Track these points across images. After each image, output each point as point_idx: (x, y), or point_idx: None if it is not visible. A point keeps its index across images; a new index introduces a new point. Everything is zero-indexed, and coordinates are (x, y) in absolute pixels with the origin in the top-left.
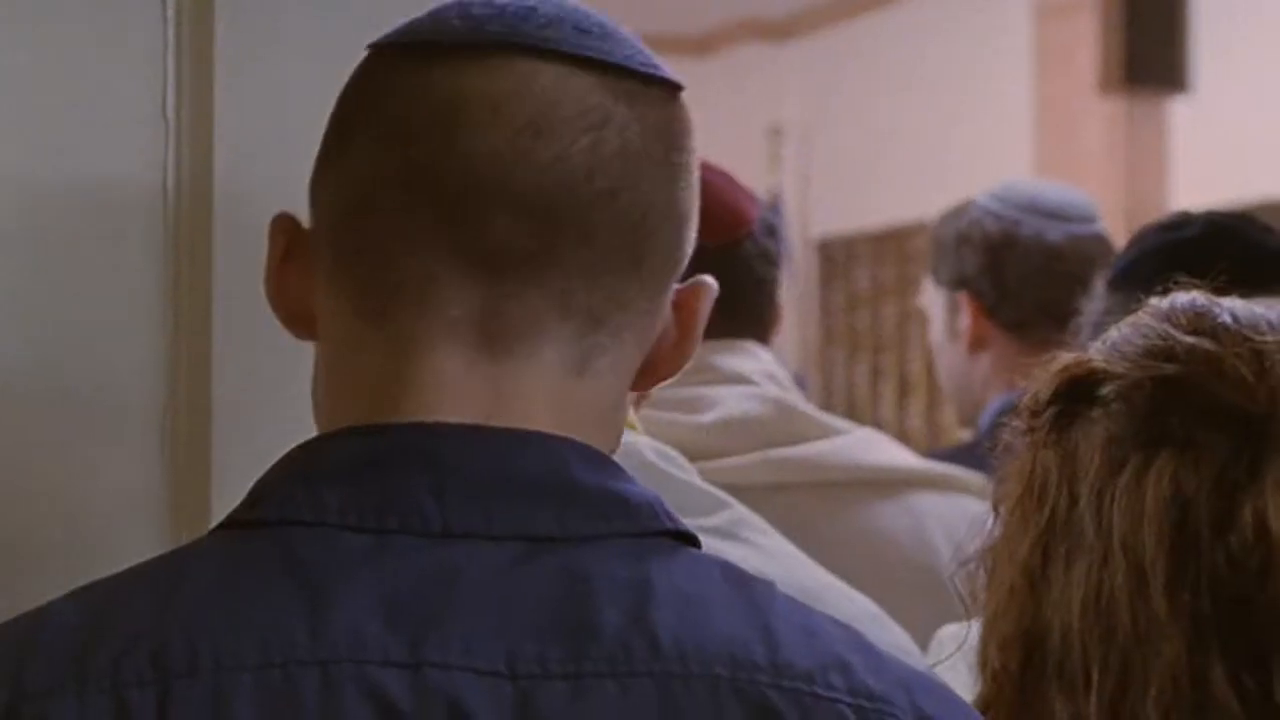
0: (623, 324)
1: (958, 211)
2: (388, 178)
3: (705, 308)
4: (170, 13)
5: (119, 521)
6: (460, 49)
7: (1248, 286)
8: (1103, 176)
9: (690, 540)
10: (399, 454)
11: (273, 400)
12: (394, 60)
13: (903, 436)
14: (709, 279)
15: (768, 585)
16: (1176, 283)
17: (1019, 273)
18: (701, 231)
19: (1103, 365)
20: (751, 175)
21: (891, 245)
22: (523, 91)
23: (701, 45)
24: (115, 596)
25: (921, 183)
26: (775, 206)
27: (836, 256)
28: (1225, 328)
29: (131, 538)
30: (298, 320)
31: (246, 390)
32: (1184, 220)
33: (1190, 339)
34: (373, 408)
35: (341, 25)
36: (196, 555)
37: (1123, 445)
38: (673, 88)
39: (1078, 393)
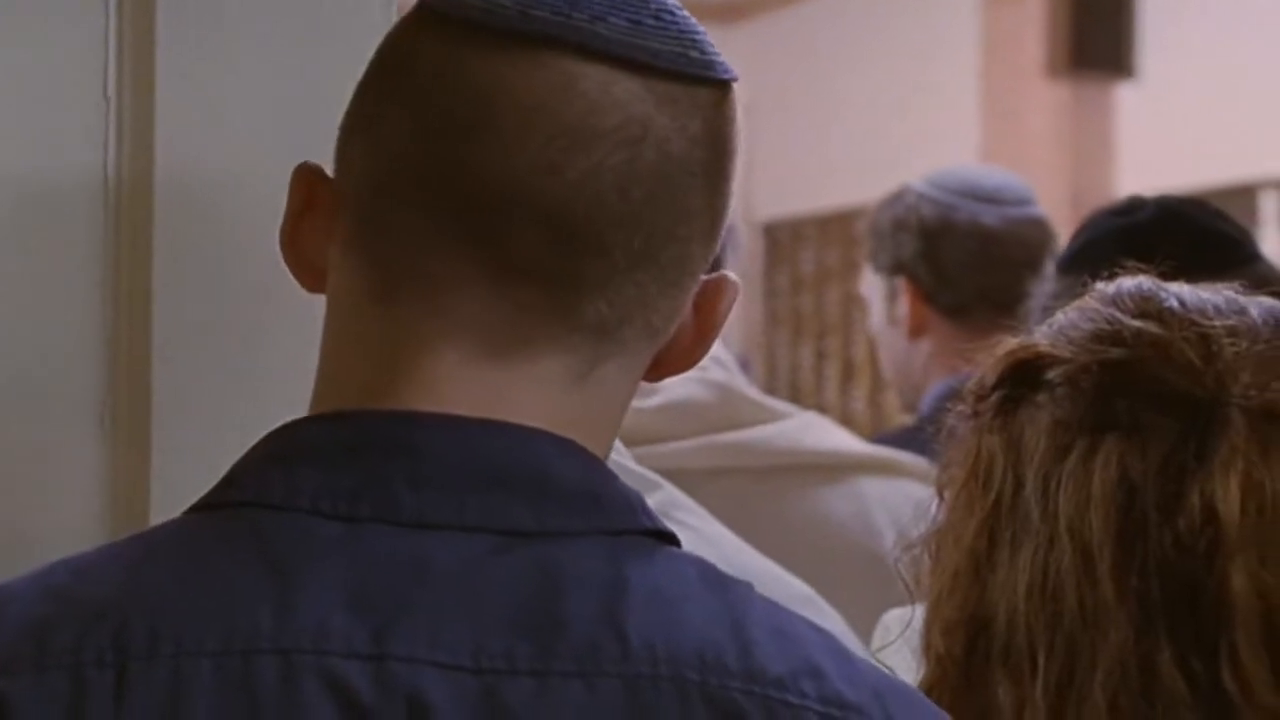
0: (637, 331)
1: (894, 198)
2: (415, 168)
3: (727, 307)
4: None
5: (58, 508)
6: (505, 38)
7: (1199, 271)
8: (1050, 162)
9: (669, 539)
10: (376, 441)
11: (213, 386)
12: (439, 33)
13: (847, 420)
14: (730, 275)
15: (745, 586)
16: (1123, 268)
17: (956, 257)
18: None
19: (1049, 350)
20: None
21: (837, 228)
22: (561, 97)
23: None
24: (81, 575)
25: (867, 166)
26: None
27: (782, 239)
28: (1172, 312)
29: (71, 524)
30: (308, 274)
31: (187, 377)
32: (1136, 205)
33: (1137, 323)
34: (362, 394)
35: (284, 5)
36: (165, 535)
37: (1069, 429)
38: (727, 81)
39: (1023, 377)
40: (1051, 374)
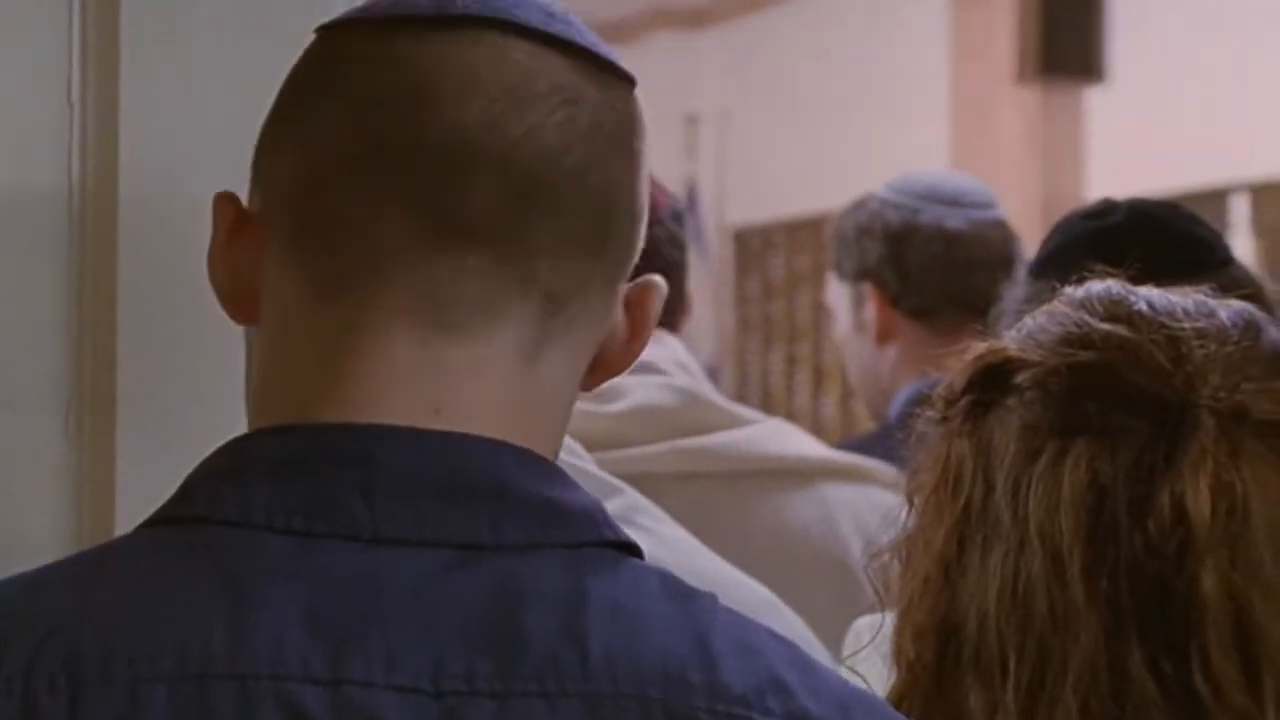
0: (579, 312)
1: (857, 205)
2: (357, 149)
3: (656, 307)
4: None
5: (27, 512)
6: (429, 21)
7: (1172, 274)
8: (1019, 166)
9: (632, 550)
10: (331, 454)
11: (178, 391)
12: (357, 33)
13: (818, 426)
14: (658, 278)
15: (709, 599)
16: (1092, 271)
17: (920, 260)
18: None
19: (1018, 353)
20: (668, 163)
21: (807, 234)
22: (496, 63)
23: (617, 33)
24: (31, 594)
25: (838, 172)
26: (690, 195)
27: (752, 245)
28: (1141, 315)
29: (39, 528)
30: (240, 300)
31: (152, 381)
32: (1108, 208)
33: (1106, 326)
34: (310, 398)
35: (248, 8)
36: (119, 553)
37: (1039, 433)
38: (631, 81)
39: (993, 381)
40: (1021, 378)
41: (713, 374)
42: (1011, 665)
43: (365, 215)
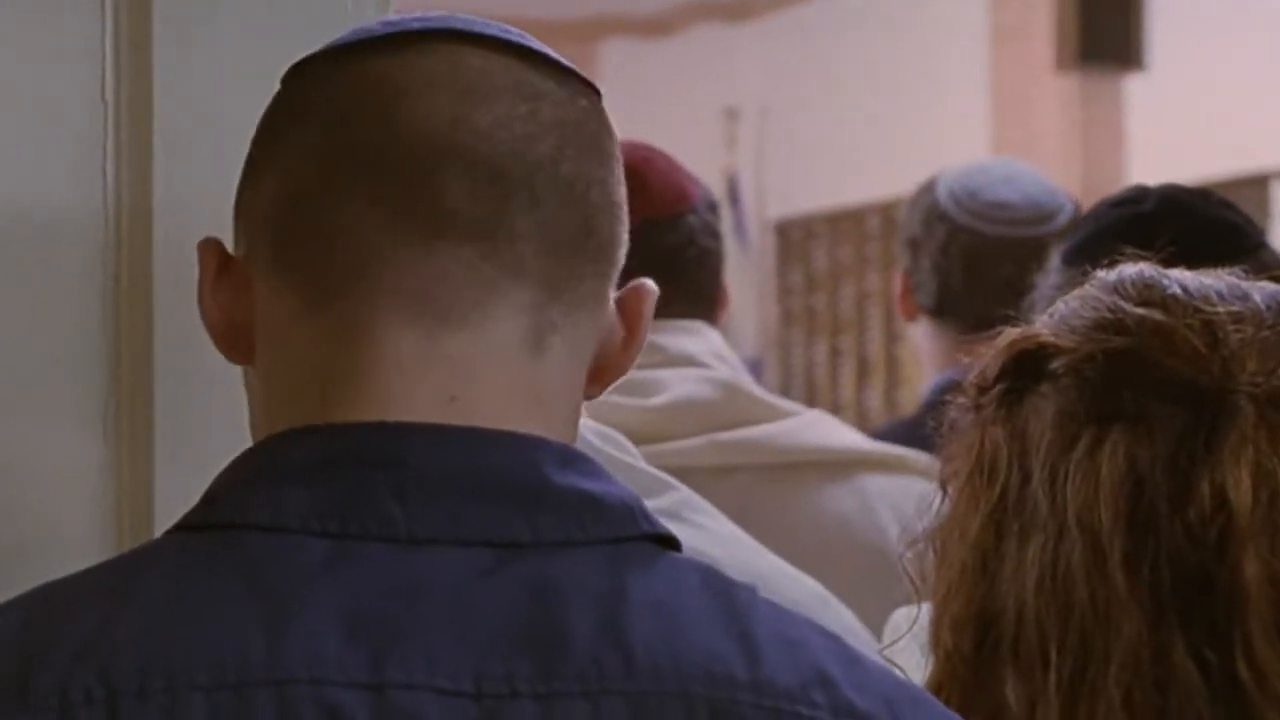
0: (575, 302)
1: (919, 194)
2: (328, 161)
3: (649, 309)
4: None
5: (66, 515)
6: (387, 39)
7: (1204, 260)
8: (1060, 155)
9: (670, 543)
10: (361, 455)
11: (214, 391)
12: (318, 63)
13: (862, 418)
14: (648, 281)
15: (749, 591)
16: (1123, 255)
17: (947, 263)
18: (646, 205)
19: (1051, 339)
20: (708, 157)
21: (849, 225)
22: (454, 67)
23: (657, 26)
24: (63, 606)
25: (878, 162)
26: (731, 188)
27: (794, 237)
28: (1175, 299)
29: (78, 530)
30: (234, 338)
31: (188, 382)
32: (1139, 195)
33: (1140, 311)
34: (323, 401)
35: (280, 8)
36: (148, 561)
37: (1075, 420)
38: (594, 89)
39: (1026, 368)
40: (1055, 364)
41: (756, 367)
42: (1052, 656)
43: (346, 222)
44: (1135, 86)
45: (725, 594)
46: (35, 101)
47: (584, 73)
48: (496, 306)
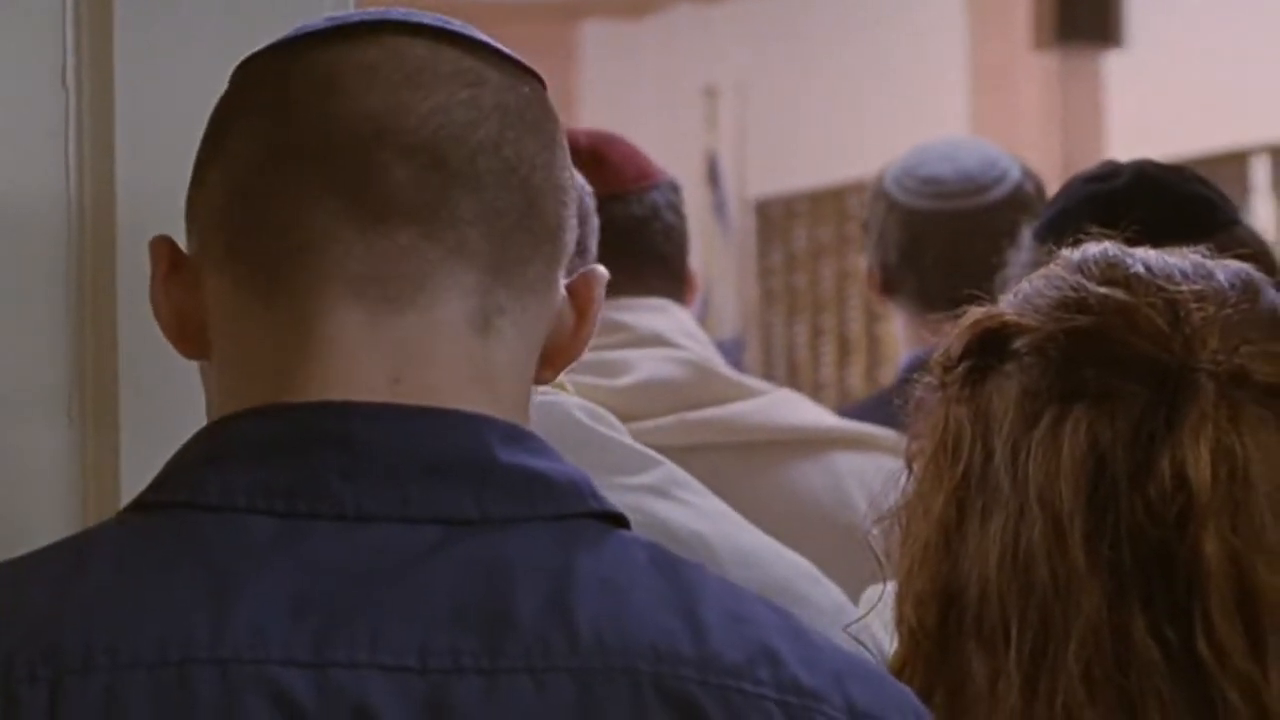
0: (522, 286)
1: (879, 174)
2: (273, 152)
3: (599, 295)
4: None
5: (33, 499)
6: (328, 33)
7: (1177, 236)
8: (1039, 133)
9: (618, 521)
10: (308, 434)
11: (180, 374)
12: (261, 59)
13: (843, 396)
14: (599, 267)
15: (697, 568)
16: (1089, 233)
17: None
18: (610, 180)
19: (1014, 318)
20: (688, 136)
21: (829, 204)
22: (396, 56)
23: (635, 6)
24: (12, 586)
25: (858, 141)
26: (711, 167)
27: (774, 216)
28: (1138, 278)
29: (45, 514)
30: (186, 333)
31: (154, 365)
32: (1112, 171)
33: (1103, 289)
34: (275, 385)
35: None
36: (98, 541)
37: (1037, 398)
38: (537, 75)
39: (990, 347)
40: (1018, 343)
41: (738, 347)
42: (1014, 632)
43: (292, 211)
44: (1114, 64)
45: (672, 571)
46: None
47: (550, 55)
48: (442, 288)
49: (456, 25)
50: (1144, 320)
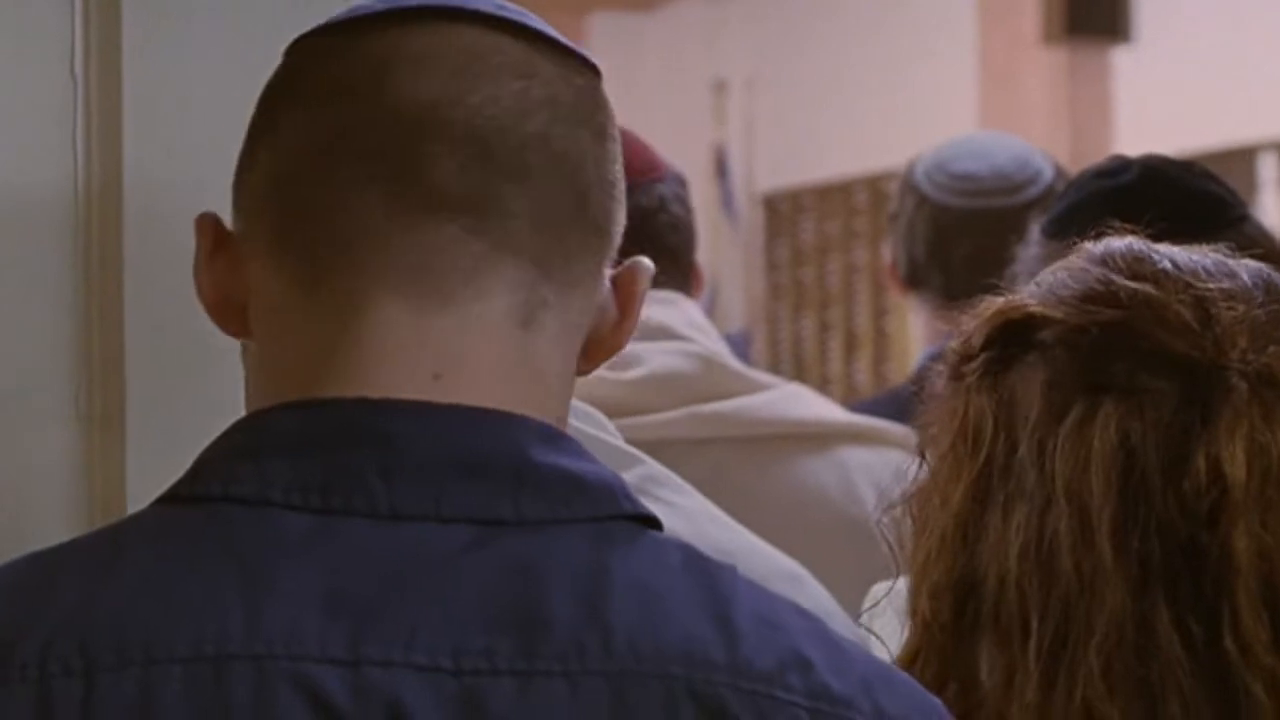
0: (568, 281)
1: (904, 171)
2: (321, 138)
3: (643, 288)
4: None
5: (39, 496)
6: (383, 16)
7: (1187, 232)
8: (1047, 128)
9: (652, 523)
10: (346, 431)
11: (188, 369)
12: (314, 41)
13: (850, 390)
14: (644, 259)
15: (730, 572)
16: (1111, 228)
17: (923, 236)
18: None
19: (1040, 309)
20: (696, 130)
21: (837, 199)
22: (449, 44)
23: (645, 1)
24: (46, 578)
25: (867, 136)
26: (719, 161)
27: (782, 210)
28: (1166, 274)
29: (51, 511)
30: (228, 314)
31: (161, 360)
32: (1121, 166)
33: (1132, 284)
34: (314, 377)
35: None
36: (132, 533)
37: (1065, 390)
38: (593, 66)
39: (1013, 337)
40: (1044, 334)
41: (744, 341)
42: (1033, 625)
43: (338, 201)
44: (1123, 59)
45: (706, 575)
46: (4, 77)
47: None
48: (487, 282)
49: (512, 12)
50: (1174, 316)
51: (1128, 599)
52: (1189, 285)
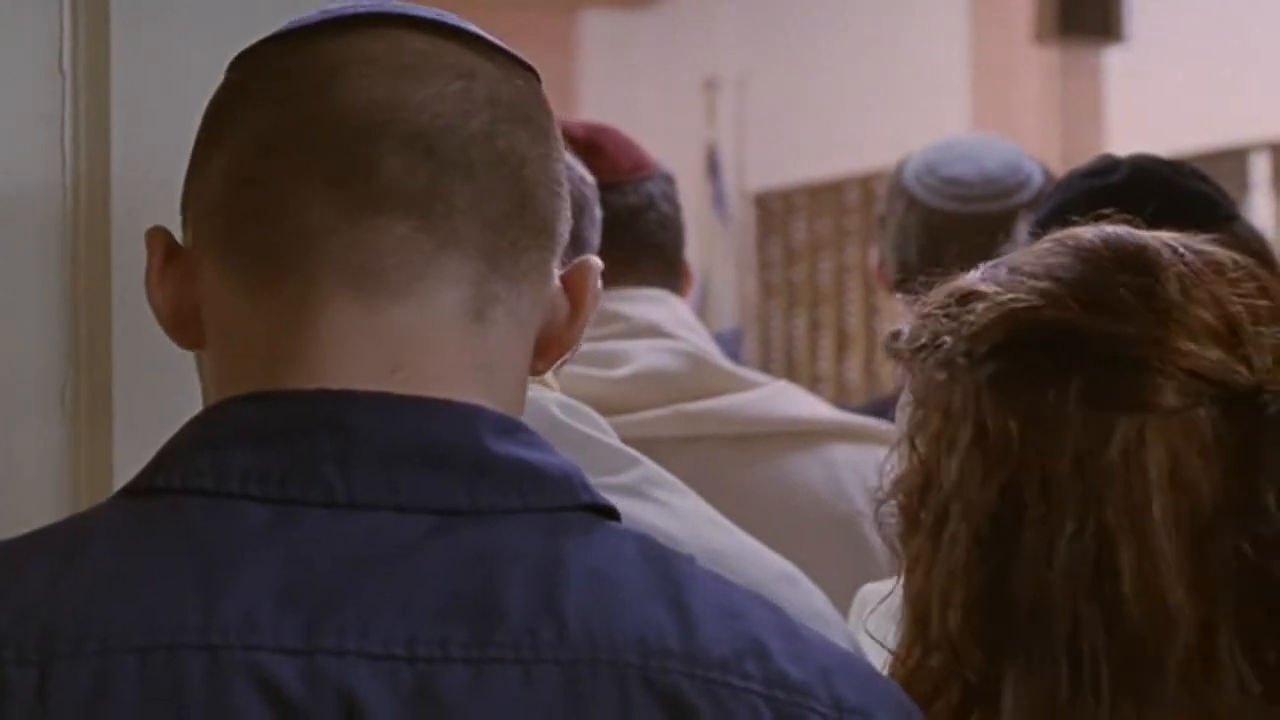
0: (515, 275)
1: (894, 172)
2: (269, 143)
3: (594, 285)
4: None
5: (25, 485)
6: (329, 24)
7: (1176, 231)
8: (1039, 127)
9: (609, 513)
10: (304, 421)
11: (174, 361)
12: (260, 51)
13: (841, 389)
14: (594, 258)
15: (688, 561)
16: (1107, 218)
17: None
18: (605, 170)
19: (1054, 313)
20: (687, 128)
21: (828, 198)
22: (393, 49)
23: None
24: (6, 568)
25: (858, 135)
26: (711, 160)
27: (773, 209)
28: (1191, 282)
29: (38, 501)
30: (182, 323)
31: (147, 351)
32: (1110, 166)
33: (1156, 294)
34: (270, 374)
35: None
36: (92, 525)
37: (1103, 408)
38: (532, 69)
39: (1028, 340)
40: (1067, 341)
41: (735, 339)
42: (1085, 648)
43: (288, 202)
44: (1115, 59)
45: (663, 564)
46: None
47: (549, 47)
48: (437, 278)
49: (451, 19)
50: (1203, 331)
51: (1196, 627)
52: (1215, 298)
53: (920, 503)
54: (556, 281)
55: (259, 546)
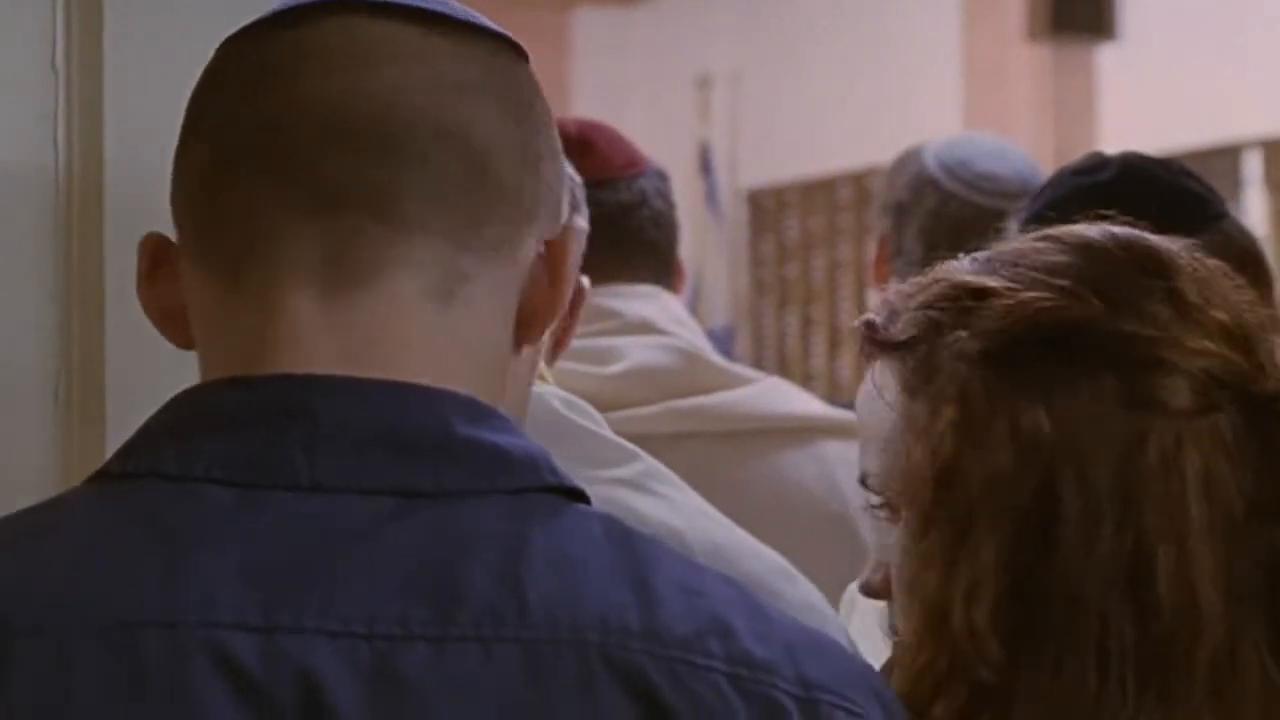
0: (483, 249)
1: (904, 161)
2: (227, 141)
3: (575, 250)
4: None
5: (18, 480)
6: (286, 14)
7: (1164, 230)
8: (1032, 125)
9: (576, 495)
10: (269, 406)
11: (167, 358)
12: (231, 44)
13: (834, 386)
14: (580, 222)
15: (651, 542)
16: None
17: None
18: (597, 166)
19: (1079, 313)
20: (680, 125)
21: (821, 195)
22: (350, 38)
23: None
24: None
25: (851, 132)
26: (704, 157)
27: (766, 206)
28: (1204, 290)
29: (31, 496)
30: (174, 324)
31: (140, 348)
32: (1099, 163)
33: (1175, 299)
34: (241, 370)
35: None
36: (61, 509)
37: (1132, 410)
38: (515, 47)
39: (1047, 337)
40: (1098, 343)
41: (728, 336)
42: (1117, 651)
43: (247, 201)
44: (1107, 56)
45: (626, 544)
46: None
47: (542, 44)
48: (396, 266)
49: (428, 3)
50: (1223, 338)
51: (1229, 630)
52: (1229, 303)
53: (935, 500)
54: (533, 250)
55: (221, 528)
